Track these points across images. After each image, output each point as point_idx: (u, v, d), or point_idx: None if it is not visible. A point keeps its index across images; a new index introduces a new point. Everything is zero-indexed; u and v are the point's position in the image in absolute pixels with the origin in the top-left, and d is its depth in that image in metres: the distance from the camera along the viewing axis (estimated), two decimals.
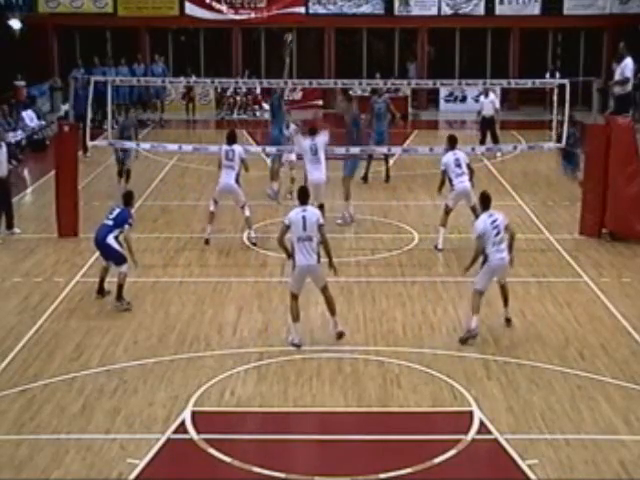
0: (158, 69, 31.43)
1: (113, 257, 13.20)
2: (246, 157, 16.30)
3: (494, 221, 12.06)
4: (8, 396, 10.29)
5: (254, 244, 15.99)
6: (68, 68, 30.77)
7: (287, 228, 11.70)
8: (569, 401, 10.18)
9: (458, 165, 15.81)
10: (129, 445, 9.21)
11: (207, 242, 16.08)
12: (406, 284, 14.20)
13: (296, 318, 11.78)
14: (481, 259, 12.13)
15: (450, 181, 15.78)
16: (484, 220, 12.09)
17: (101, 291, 13.56)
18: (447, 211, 15.92)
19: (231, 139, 16.38)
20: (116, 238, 13.16)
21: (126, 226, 13.23)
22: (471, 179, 15.95)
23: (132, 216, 13.54)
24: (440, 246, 15.80)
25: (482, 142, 23.74)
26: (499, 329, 12.30)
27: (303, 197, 11.92)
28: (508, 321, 12.46)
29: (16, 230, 16.89)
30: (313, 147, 16.53)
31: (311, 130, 17.03)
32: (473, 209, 15.49)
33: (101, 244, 13.21)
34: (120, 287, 13.12)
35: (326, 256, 11.84)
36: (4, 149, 17.00)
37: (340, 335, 11.87)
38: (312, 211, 11.78)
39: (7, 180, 17.21)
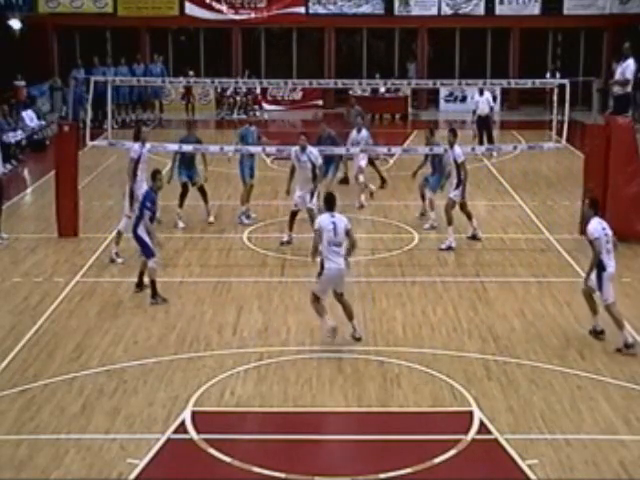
0: (156, 69, 31.43)
1: (141, 248, 13.33)
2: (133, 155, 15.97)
3: (604, 228, 11.86)
4: (8, 396, 10.28)
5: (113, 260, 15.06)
6: (68, 68, 30.80)
7: (320, 234, 11.58)
8: (569, 401, 10.18)
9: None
10: (129, 445, 9.20)
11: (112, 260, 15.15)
12: (406, 284, 14.19)
13: (322, 313, 11.65)
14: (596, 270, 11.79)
15: (459, 176, 15.93)
16: (595, 226, 11.77)
17: (140, 284, 13.63)
18: (453, 206, 15.94)
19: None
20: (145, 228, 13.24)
21: (146, 212, 13.15)
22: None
23: (152, 200, 13.19)
24: (454, 244, 15.77)
25: (480, 142, 23.76)
26: (499, 329, 12.30)
27: (330, 203, 11.84)
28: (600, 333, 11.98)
29: (3, 235, 16.51)
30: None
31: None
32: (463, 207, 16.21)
33: (133, 235, 13.36)
34: (153, 283, 13.19)
35: (347, 253, 11.74)
36: None
37: (358, 339, 11.74)
38: (340, 218, 11.73)
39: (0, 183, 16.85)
